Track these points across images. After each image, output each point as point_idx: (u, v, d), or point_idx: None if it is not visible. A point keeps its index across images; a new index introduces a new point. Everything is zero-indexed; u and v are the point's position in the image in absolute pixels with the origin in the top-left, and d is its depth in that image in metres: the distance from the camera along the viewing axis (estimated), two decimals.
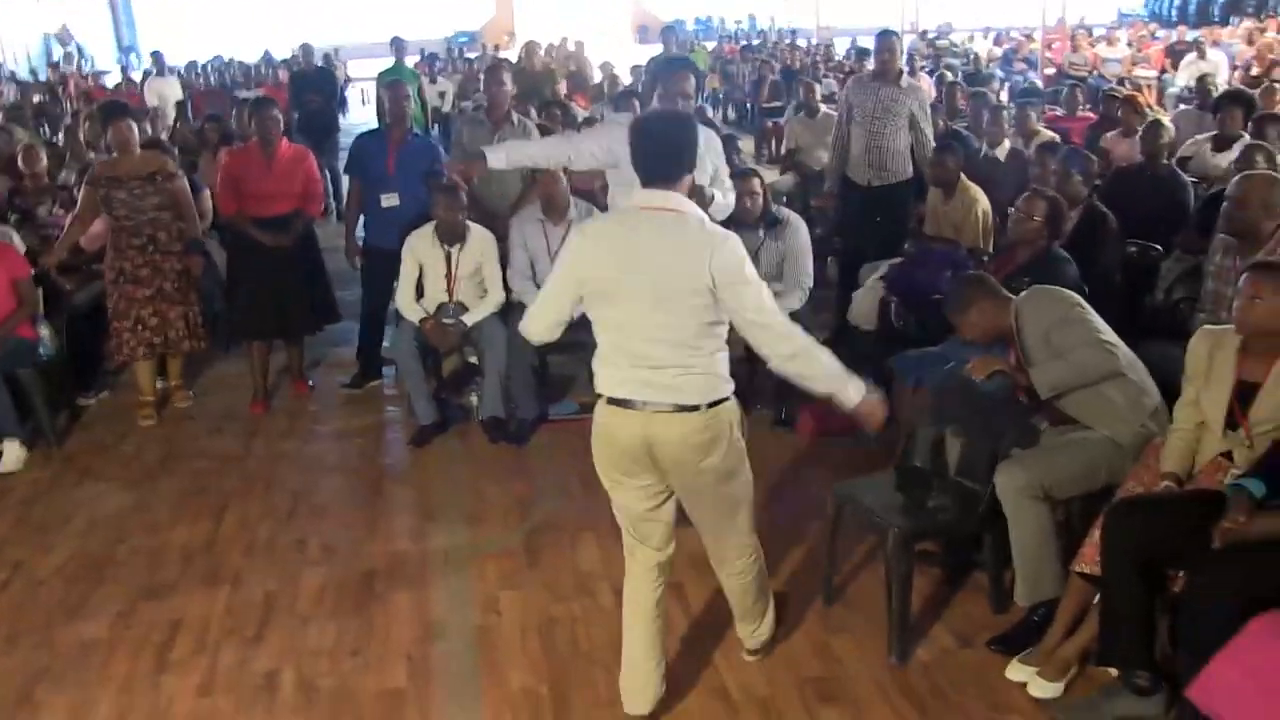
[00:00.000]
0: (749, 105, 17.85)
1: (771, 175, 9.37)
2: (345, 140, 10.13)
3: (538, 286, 5.80)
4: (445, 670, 3.82)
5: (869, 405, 3.16)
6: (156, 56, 16.74)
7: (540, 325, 3.28)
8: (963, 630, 3.88)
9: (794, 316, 5.52)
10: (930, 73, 13.98)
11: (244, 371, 6.65)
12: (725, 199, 4.81)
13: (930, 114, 6.97)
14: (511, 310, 5.84)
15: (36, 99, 15.69)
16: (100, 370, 6.84)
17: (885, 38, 6.94)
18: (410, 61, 13.81)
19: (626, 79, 13.87)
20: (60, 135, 11.51)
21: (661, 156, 3.12)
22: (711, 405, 3.14)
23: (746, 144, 13.29)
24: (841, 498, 4.07)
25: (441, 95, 14.42)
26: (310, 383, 6.78)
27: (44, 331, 6.17)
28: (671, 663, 3.67)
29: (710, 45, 24.66)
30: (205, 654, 4.00)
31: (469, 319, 5.78)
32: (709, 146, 4.63)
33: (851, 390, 3.13)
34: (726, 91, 19.99)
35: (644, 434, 3.14)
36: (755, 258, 5.58)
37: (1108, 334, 3.84)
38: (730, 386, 3.20)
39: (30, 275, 6.08)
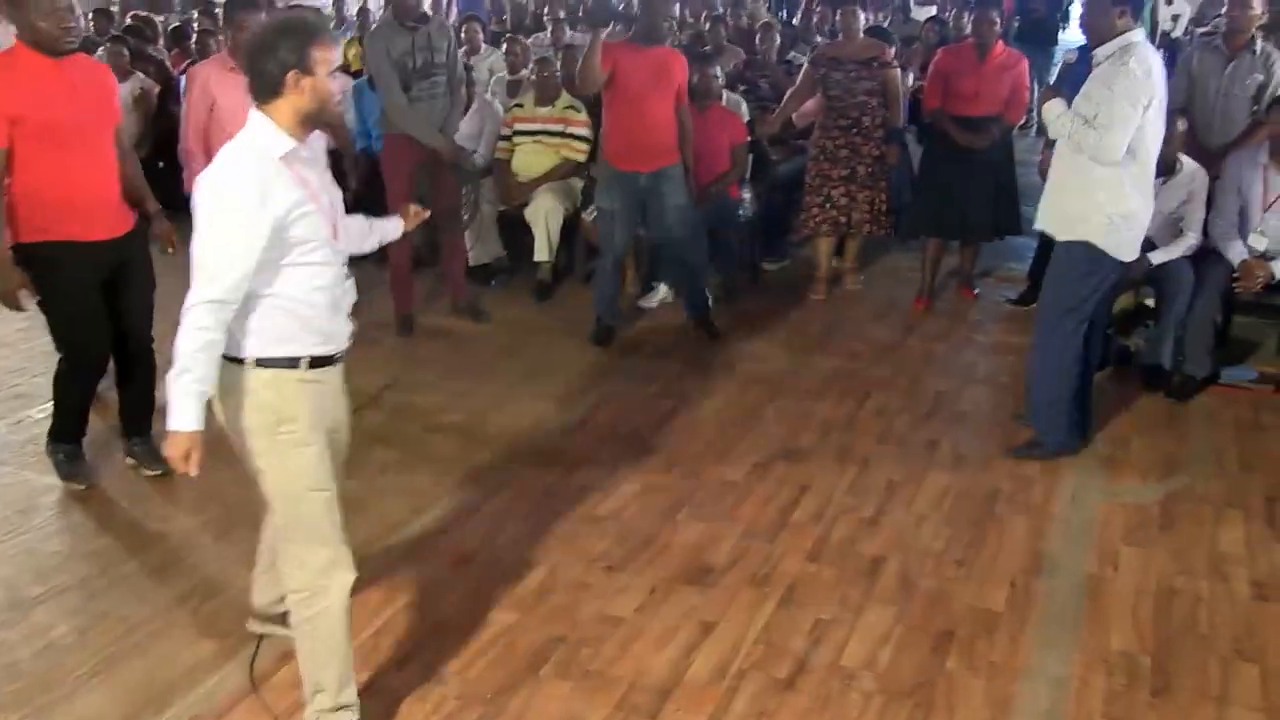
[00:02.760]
0: None
1: None
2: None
3: (1244, 240, 5.32)
4: (1046, 608, 3.69)
5: (179, 443, 2.57)
6: None
7: None
8: None
9: None
10: None
11: (915, 265, 6.79)
12: (1079, 136, 4.33)
13: None
14: (1208, 258, 5.37)
15: None
16: (786, 240, 7.35)
17: None
18: None
19: None
20: (798, 17, 12.32)
21: (250, 69, 2.64)
22: (229, 360, 2.70)
23: None
24: None
25: (1175, 19, 13.24)
26: (976, 291, 6.77)
27: (747, 195, 6.75)
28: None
29: None
30: (821, 524, 4.21)
31: (1155, 257, 5.38)
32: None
33: (176, 418, 2.56)
34: None
35: None
36: None
37: None
38: (251, 352, 2.69)
39: (746, 142, 6.63)
